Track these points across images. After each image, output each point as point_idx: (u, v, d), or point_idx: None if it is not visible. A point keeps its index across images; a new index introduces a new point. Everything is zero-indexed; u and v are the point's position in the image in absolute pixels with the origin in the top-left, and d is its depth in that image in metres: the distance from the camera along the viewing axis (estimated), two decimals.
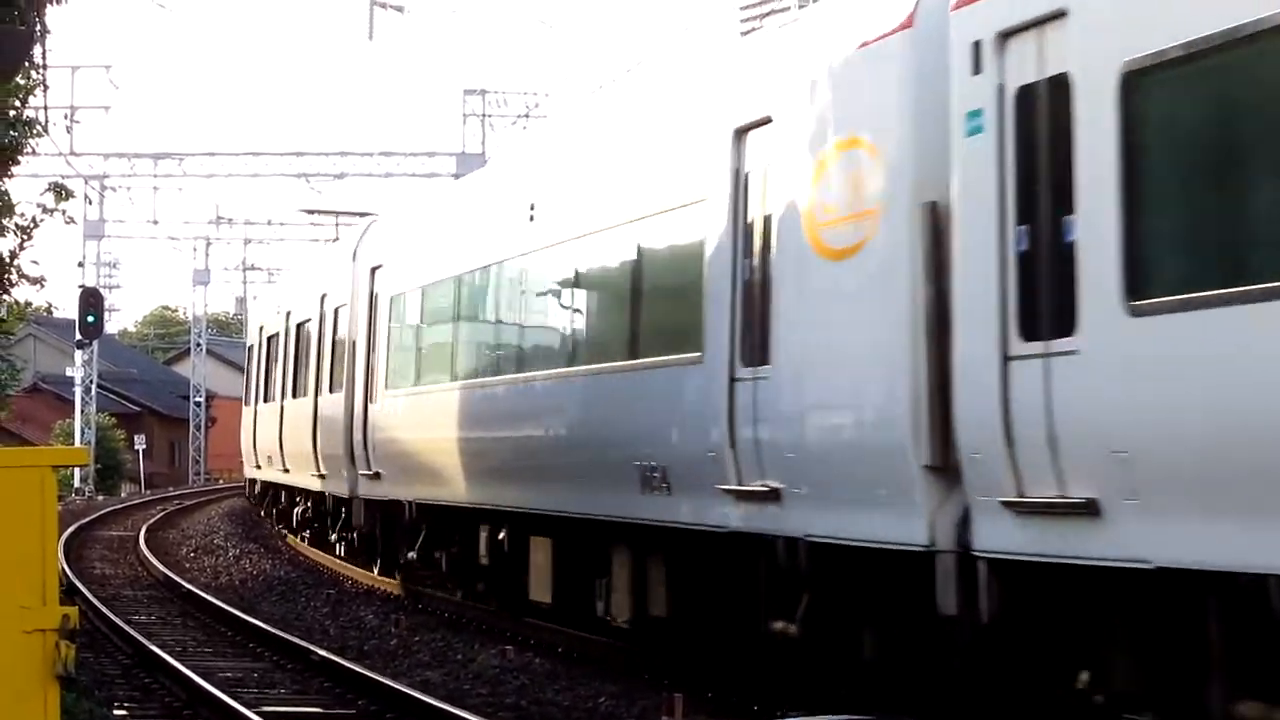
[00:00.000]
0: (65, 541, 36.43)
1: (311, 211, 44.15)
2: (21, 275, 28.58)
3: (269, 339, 36.93)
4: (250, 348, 41.26)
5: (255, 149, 63.89)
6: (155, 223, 69.18)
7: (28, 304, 31.88)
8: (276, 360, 35.42)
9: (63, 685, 9.27)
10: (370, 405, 25.41)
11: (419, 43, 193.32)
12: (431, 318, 23.20)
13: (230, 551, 36.69)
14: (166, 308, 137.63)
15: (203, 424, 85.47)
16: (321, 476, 29.34)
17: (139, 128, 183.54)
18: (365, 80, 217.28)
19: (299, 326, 32.49)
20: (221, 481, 79.41)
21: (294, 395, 32.60)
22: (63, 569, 28.74)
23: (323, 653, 19.08)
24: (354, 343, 26.50)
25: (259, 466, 38.22)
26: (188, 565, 33.85)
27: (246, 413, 40.10)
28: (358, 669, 17.74)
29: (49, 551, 9.40)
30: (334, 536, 29.95)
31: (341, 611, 24.93)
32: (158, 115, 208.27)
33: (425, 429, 22.63)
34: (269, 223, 74.39)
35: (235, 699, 15.99)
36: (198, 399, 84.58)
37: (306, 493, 32.81)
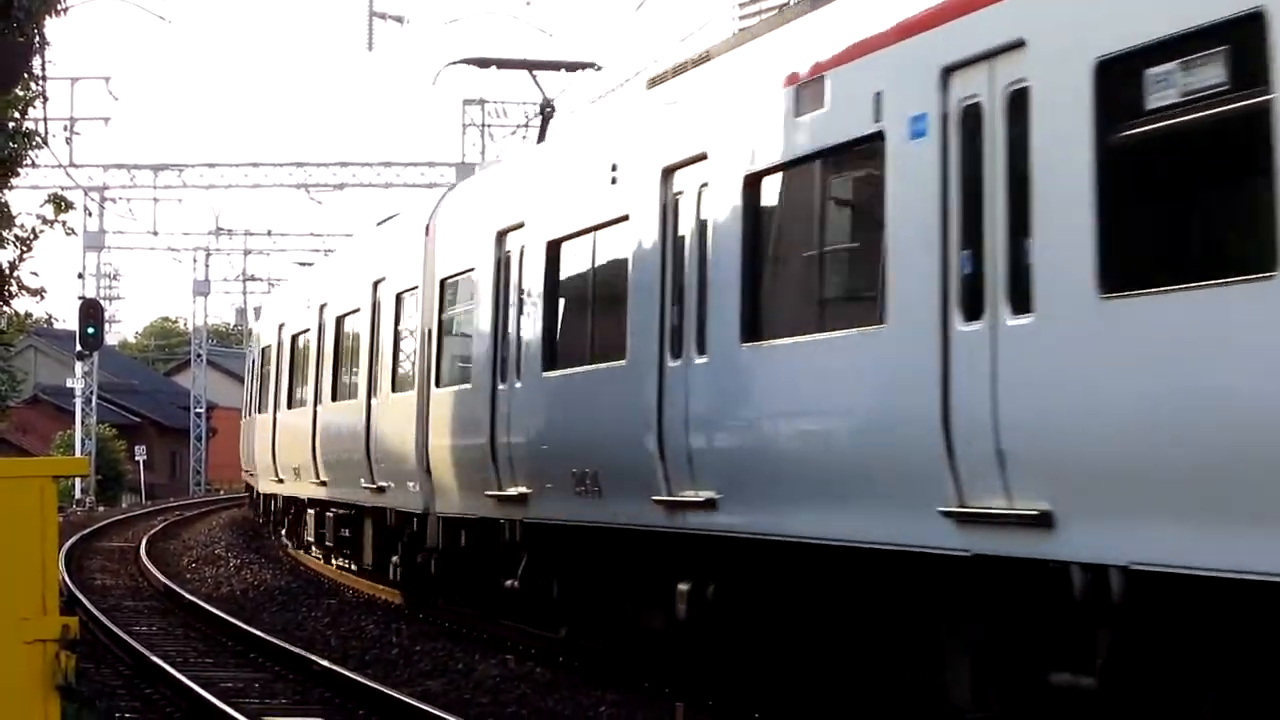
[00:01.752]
0: (66, 552, 36.41)
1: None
2: (21, 287, 28.57)
3: (549, 248, 18.31)
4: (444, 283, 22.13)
5: (255, 160, 64.08)
6: (155, 234, 69.30)
7: (28, 315, 31.85)
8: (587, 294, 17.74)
9: (63, 696, 9.28)
10: None
11: (418, 53, 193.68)
12: None
13: (231, 562, 36.68)
14: (167, 319, 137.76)
15: (203, 435, 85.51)
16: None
17: (139, 139, 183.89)
18: (365, 91, 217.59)
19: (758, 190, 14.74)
20: (222, 492, 79.42)
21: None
22: (63, 580, 28.75)
23: (324, 662, 19.07)
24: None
25: (511, 496, 18.97)
26: (189, 576, 33.84)
27: (444, 397, 21.54)
28: (358, 679, 17.73)
29: (49, 562, 9.42)
30: None
31: (342, 621, 24.92)
32: (157, 126, 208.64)
33: None
34: (269, 233, 74.60)
35: (236, 709, 16.00)
36: (198, 410, 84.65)
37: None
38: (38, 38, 21.38)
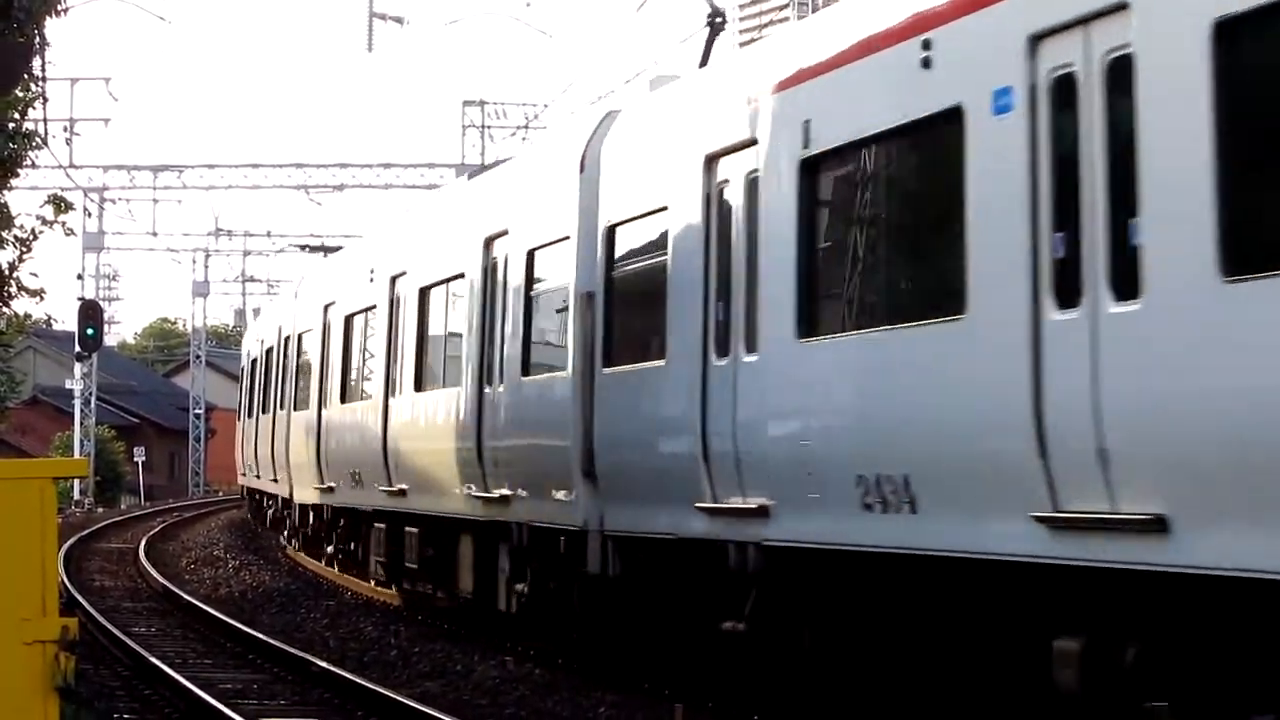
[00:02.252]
0: (65, 554, 36.41)
1: None
2: (21, 288, 28.59)
3: (804, 168, 14.40)
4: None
5: (255, 161, 64.07)
6: (155, 235, 69.30)
7: (27, 316, 31.89)
8: None
9: (62, 697, 9.29)
10: None
11: (418, 54, 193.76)
12: None
13: (230, 563, 36.68)
14: (166, 320, 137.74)
15: (202, 436, 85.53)
16: None
17: (138, 140, 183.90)
18: (365, 92, 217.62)
19: None
20: (221, 493, 79.44)
21: None
22: (62, 581, 28.75)
23: (322, 664, 19.07)
24: None
25: (737, 509, 14.60)
26: (188, 577, 33.83)
27: (619, 380, 17.29)
28: (357, 680, 17.72)
29: (49, 563, 9.42)
30: None
31: (341, 623, 24.92)
32: (157, 127, 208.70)
33: None
34: (268, 234, 74.60)
35: (235, 710, 16.00)
36: (197, 411, 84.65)
37: None
38: (38, 38, 21.38)
